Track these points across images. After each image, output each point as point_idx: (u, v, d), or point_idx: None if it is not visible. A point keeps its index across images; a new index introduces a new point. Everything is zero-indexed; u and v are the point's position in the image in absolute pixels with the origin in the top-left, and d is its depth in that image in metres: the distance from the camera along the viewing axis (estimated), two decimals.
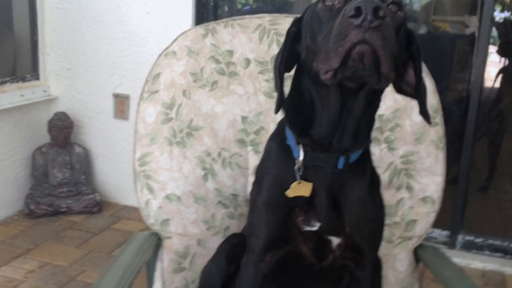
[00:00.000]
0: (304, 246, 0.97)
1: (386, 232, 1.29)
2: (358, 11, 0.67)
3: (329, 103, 0.85)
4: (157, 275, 1.32)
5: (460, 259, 2.61)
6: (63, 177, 3.03)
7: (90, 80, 3.03)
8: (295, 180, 0.91)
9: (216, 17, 2.92)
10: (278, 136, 0.99)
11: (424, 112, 0.90)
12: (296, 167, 0.91)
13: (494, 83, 4.07)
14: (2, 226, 2.80)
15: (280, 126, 0.99)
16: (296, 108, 0.91)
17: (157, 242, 1.31)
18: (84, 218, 2.97)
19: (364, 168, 0.95)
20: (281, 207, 0.94)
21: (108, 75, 2.99)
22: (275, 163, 0.97)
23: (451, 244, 2.71)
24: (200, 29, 1.34)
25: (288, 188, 0.91)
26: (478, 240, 2.69)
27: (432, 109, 1.30)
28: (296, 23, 0.89)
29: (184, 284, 1.31)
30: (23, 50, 3.07)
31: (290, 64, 0.90)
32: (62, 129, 2.98)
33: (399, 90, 0.89)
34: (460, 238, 2.71)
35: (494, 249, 2.66)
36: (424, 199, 1.29)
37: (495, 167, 3.39)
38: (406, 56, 0.86)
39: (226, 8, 3.34)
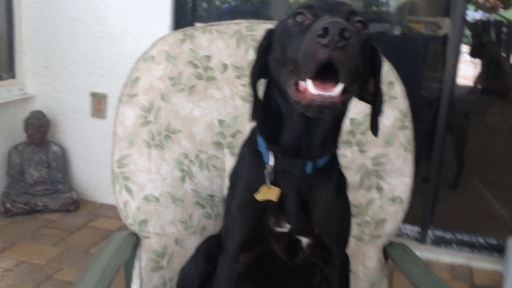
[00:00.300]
0: (276, 246, 1.01)
1: (357, 231, 1.34)
2: (325, 31, 0.71)
3: (294, 121, 0.90)
4: (136, 273, 1.35)
5: (430, 253, 2.70)
6: (39, 176, 3.02)
7: (68, 79, 3.03)
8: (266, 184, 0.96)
9: (194, 17, 2.95)
10: (250, 142, 1.03)
11: (374, 123, 0.94)
12: (266, 171, 0.95)
13: (475, 84, 4.18)
14: None
15: (253, 132, 1.03)
16: (266, 115, 0.95)
17: (135, 241, 1.33)
18: (61, 216, 2.97)
19: (331, 172, 1.00)
20: (253, 210, 0.98)
21: (85, 74, 2.99)
22: (248, 168, 1.01)
23: (421, 239, 2.79)
24: (178, 34, 1.37)
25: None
26: (447, 235, 2.78)
27: (402, 114, 1.36)
28: (268, 37, 0.93)
29: (162, 282, 1.35)
30: None
31: (263, 74, 0.95)
32: (39, 128, 2.97)
33: (360, 97, 0.94)
34: (430, 233, 2.79)
35: (463, 244, 2.75)
36: (393, 199, 1.35)
37: (463, 164, 3.48)
38: (371, 70, 0.91)
39: (205, 5, 3.37)
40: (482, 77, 4.39)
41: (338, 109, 0.77)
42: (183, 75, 1.35)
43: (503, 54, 4.29)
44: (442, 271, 2.58)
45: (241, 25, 1.39)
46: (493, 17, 4.35)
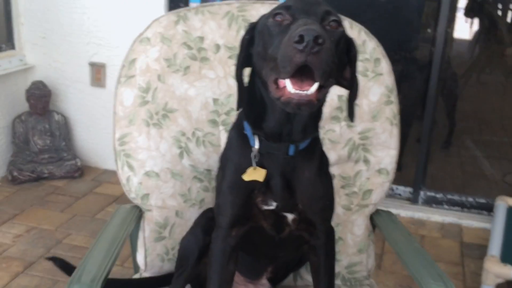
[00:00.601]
0: (264, 222, 1.10)
1: (345, 201, 1.43)
2: (301, 38, 0.78)
3: (275, 110, 0.97)
4: (140, 243, 1.45)
5: (422, 213, 2.81)
6: (43, 144, 3.11)
7: (66, 49, 3.06)
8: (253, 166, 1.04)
9: None
10: (237, 126, 1.10)
11: (350, 108, 1.02)
12: (252, 154, 1.03)
13: (472, 43, 4.15)
14: None
15: (239, 117, 1.10)
16: (251, 102, 1.02)
17: (138, 214, 1.42)
18: (66, 182, 3.07)
19: (313, 153, 1.08)
20: (242, 190, 1.06)
21: (83, 44, 3.02)
22: (236, 150, 1.09)
23: (414, 199, 2.89)
24: (172, 15, 1.42)
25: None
26: (438, 195, 2.87)
27: (388, 89, 1.42)
28: (250, 31, 0.99)
29: (164, 251, 1.44)
30: None
31: (248, 63, 1.01)
32: (40, 98, 3.03)
33: (337, 82, 1.00)
34: (422, 194, 2.89)
35: (453, 204, 2.85)
36: (379, 171, 1.43)
37: (454, 125, 3.55)
38: (346, 60, 0.98)
39: None
40: (478, 36, 4.40)
41: (314, 105, 0.85)
42: (178, 56, 1.40)
43: (499, 13, 4.27)
44: (432, 230, 2.70)
45: (232, 5, 1.43)
46: None
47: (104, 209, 2.79)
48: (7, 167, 3.04)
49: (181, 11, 1.43)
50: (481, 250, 2.42)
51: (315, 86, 0.83)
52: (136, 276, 1.47)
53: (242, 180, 1.04)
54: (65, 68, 3.11)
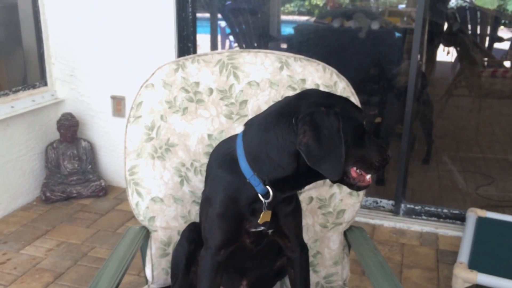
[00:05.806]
0: (247, 240, 1.18)
1: (322, 220, 1.49)
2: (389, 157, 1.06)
3: (301, 176, 1.08)
4: (148, 259, 1.52)
5: (402, 223, 2.84)
6: (72, 168, 3.20)
7: (90, 85, 3.17)
8: (247, 202, 1.12)
9: (194, 25, 3.04)
10: (229, 167, 1.13)
11: None
12: (264, 204, 1.10)
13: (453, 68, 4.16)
14: (24, 211, 2.98)
15: (231, 160, 1.12)
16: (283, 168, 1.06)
17: (146, 234, 1.50)
18: (92, 201, 3.16)
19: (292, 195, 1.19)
20: (235, 219, 1.14)
21: (105, 79, 3.13)
22: (229, 187, 1.13)
23: (395, 211, 2.93)
24: (172, 64, 1.50)
25: (240, 206, 1.12)
26: (417, 207, 2.90)
27: None
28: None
29: (168, 265, 1.51)
30: (32, 61, 3.19)
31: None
32: (69, 128, 3.13)
33: None
34: (403, 206, 2.92)
35: (430, 215, 2.88)
36: (350, 193, 1.49)
37: (432, 144, 3.58)
38: None
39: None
40: (455, 62, 4.44)
41: None
42: (177, 99, 1.48)
43: (474, 42, 4.31)
44: (412, 239, 2.73)
45: (223, 54, 1.51)
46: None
47: (124, 224, 2.86)
48: (41, 188, 3.14)
49: (180, 60, 1.51)
50: (454, 257, 2.43)
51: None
52: None
53: (235, 210, 1.12)
54: (90, 101, 3.22)
